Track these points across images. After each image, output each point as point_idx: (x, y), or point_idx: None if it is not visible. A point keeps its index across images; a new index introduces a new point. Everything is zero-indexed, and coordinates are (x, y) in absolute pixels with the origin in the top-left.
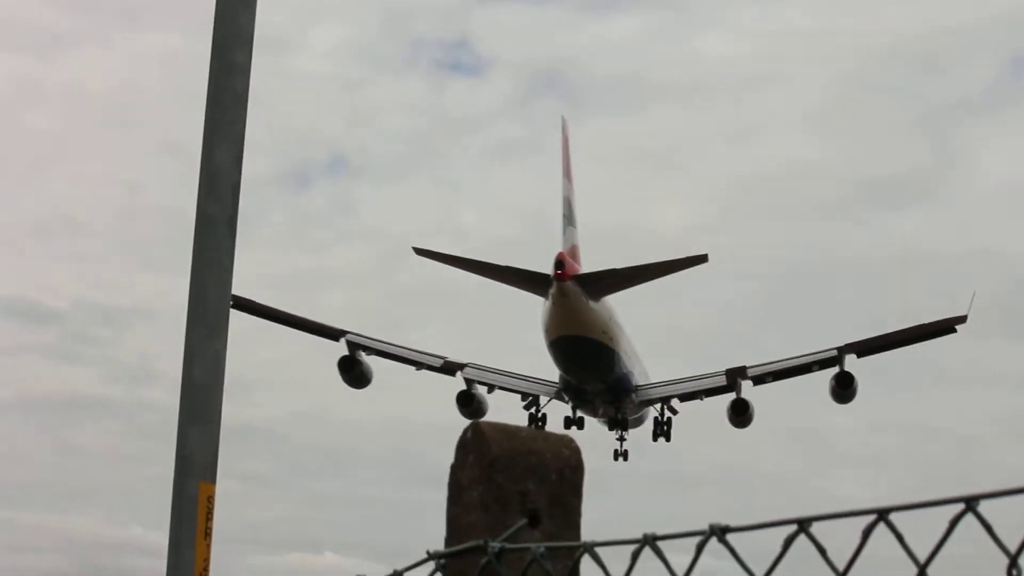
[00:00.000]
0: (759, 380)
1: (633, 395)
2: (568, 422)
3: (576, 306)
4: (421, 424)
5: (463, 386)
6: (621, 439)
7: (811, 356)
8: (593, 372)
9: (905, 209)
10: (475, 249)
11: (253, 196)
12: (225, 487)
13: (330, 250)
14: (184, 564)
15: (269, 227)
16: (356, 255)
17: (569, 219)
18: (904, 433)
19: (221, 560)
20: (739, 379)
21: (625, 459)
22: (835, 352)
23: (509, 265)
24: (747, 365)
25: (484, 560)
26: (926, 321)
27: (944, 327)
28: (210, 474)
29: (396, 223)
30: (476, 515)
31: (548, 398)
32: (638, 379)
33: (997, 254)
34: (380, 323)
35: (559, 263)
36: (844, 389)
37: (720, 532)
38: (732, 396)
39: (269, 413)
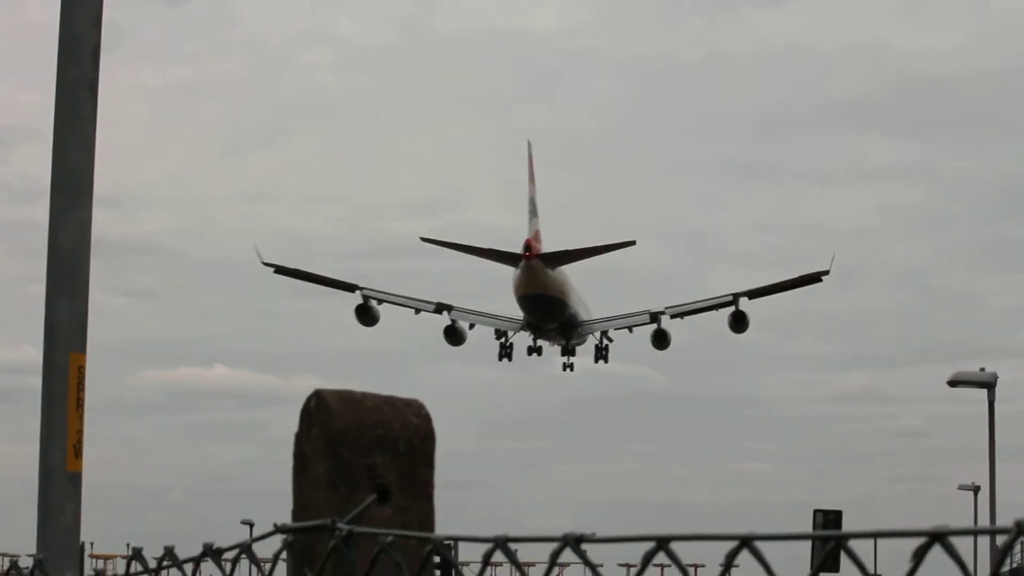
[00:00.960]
0: (673, 316)
1: (579, 329)
2: (530, 350)
3: (539, 275)
4: (304, 233)
5: (448, 323)
6: (569, 358)
7: (714, 300)
8: (550, 316)
9: (783, 5)
10: None
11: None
12: (115, 303)
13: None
14: (57, 435)
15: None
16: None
17: (533, 213)
18: (790, 231)
19: (113, 375)
20: (659, 316)
21: (572, 370)
22: (731, 297)
23: (492, 248)
24: (664, 309)
25: (331, 543)
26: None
27: (813, 277)
28: (80, 344)
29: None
30: (323, 491)
31: (514, 332)
32: (582, 317)
33: (876, 48)
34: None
35: (527, 247)
36: (739, 324)
37: (575, 542)
38: (654, 327)
39: (154, 228)
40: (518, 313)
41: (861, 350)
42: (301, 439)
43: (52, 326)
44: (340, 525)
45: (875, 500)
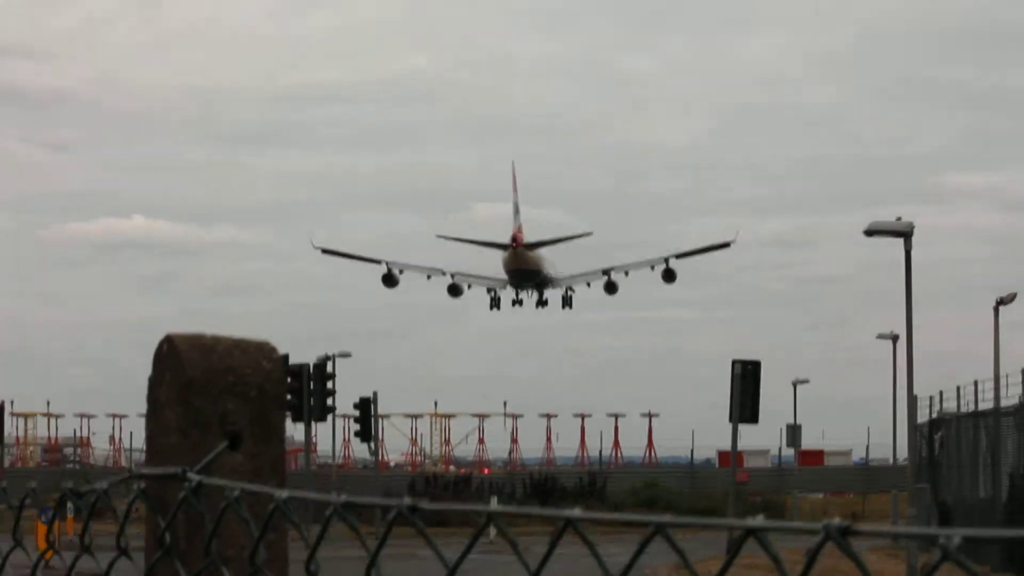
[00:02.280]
0: (620, 272)
1: (550, 284)
2: (513, 303)
3: (522, 256)
4: (223, 86)
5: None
6: (541, 304)
7: (649, 260)
8: (529, 281)
9: None
10: None
11: None
12: (35, 156)
13: None
14: None
15: None
16: None
17: (516, 213)
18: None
19: (29, 231)
20: (609, 272)
21: (545, 306)
22: (663, 259)
23: (492, 240)
24: (613, 269)
25: (181, 494)
26: None
27: (721, 244)
28: None
29: None
30: (174, 438)
31: (502, 288)
32: (552, 275)
33: None
34: None
35: (513, 239)
36: (670, 280)
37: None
38: (605, 280)
39: (73, 78)
40: (502, 275)
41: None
42: (154, 384)
43: None
44: (190, 475)
45: (797, 348)
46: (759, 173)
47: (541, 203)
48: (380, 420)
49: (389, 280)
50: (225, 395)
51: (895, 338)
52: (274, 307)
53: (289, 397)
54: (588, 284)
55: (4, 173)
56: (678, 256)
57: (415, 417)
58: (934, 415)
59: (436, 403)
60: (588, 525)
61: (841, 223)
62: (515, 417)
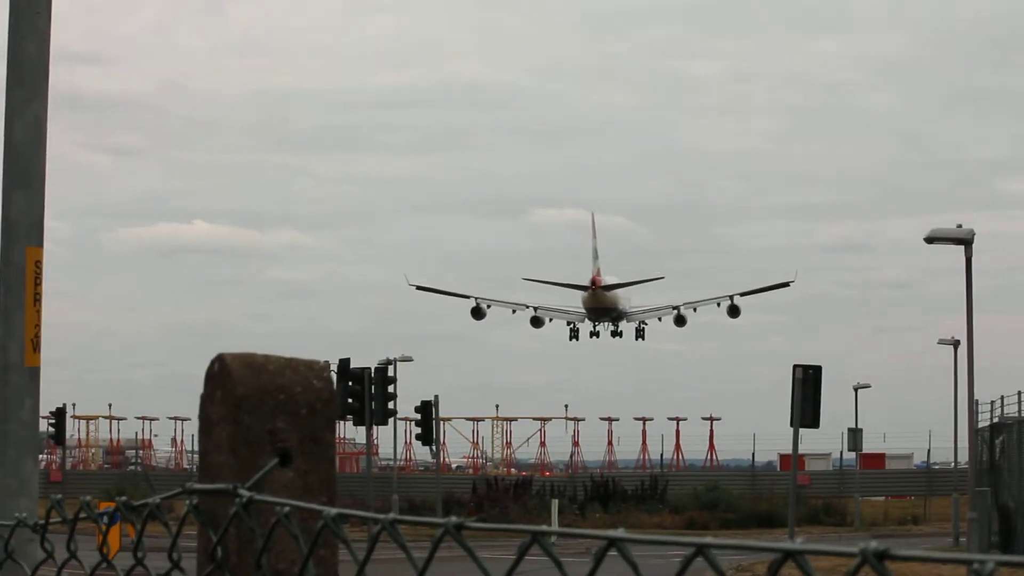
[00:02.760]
0: (689, 308)
1: (624, 318)
2: (591, 334)
3: (600, 297)
4: (286, 92)
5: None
6: (617, 335)
7: (715, 298)
8: (605, 316)
9: None
10: None
11: None
12: (96, 160)
13: None
14: (15, 331)
15: None
16: None
17: (596, 257)
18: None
19: (92, 236)
20: (679, 308)
21: (620, 337)
22: (729, 298)
23: (573, 283)
24: (682, 305)
25: (232, 510)
26: None
27: (782, 284)
28: (36, 238)
29: None
30: (225, 456)
31: (580, 321)
32: (627, 309)
33: None
34: None
35: (593, 282)
36: (734, 315)
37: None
38: (675, 313)
39: (136, 83)
40: (580, 309)
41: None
42: (206, 402)
43: (8, 222)
44: (241, 491)
45: (858, 352)
46: (821, 178)
47: (603, 209)
48: (442, 423)
49: (477, 313)
50: (276, 413)
51: (956, 344)
52: (334, 311)
53: (351, 401)
54: (659, 319)
55: (68, 178)
56: (742, 294)
57: (476, 421)
58: (995, 420)
59: (497, 407)
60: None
61: (903, 228)
62: (576, 420)
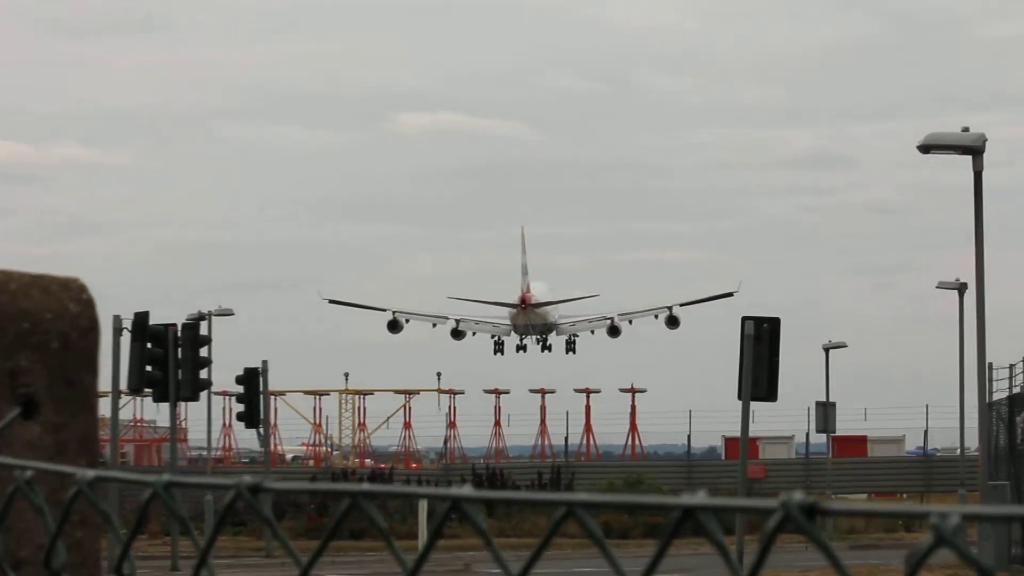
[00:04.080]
0: (624, 319)
1: (554, 331)
2: (518, 348)
3: (532, 314)
4: None
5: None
6: (546, 348)
7: (653, 308)
8: (535, 332)
9: None
10: None
11: None
12: None
13: None
14: None
15: None
16: None
17: (525, 274)
18: None
19: None
20: (612, 319)
21: (550, 351)
22: (667, 308)
23: (500, 301)
24: (616, 316)
25: None
26: None
27: (725, 294)
28: None
29: None
30: None
31: (507, 335)
32: (556, 322)
33: None
34: None
35: (522, 299)
36: (673, 325)
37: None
38: (608, 324)
39: None
40: (505, 321)
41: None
42: None
43: None
44: None
45: (827, 299)
46: (772, 68)
47: (492, 112)
48: (272, 398)
49: (394, 327)
50: (17, 347)
51: (962, 288)
52: (133, 251)
53: (150, 369)
54: (592, 332)
55: None
56: (682, 304)
57: (319, 395)
58: (1015, 389)
59: (347, 375)
60: (561, 538)
61: (888, 134)
62: (453, 394)
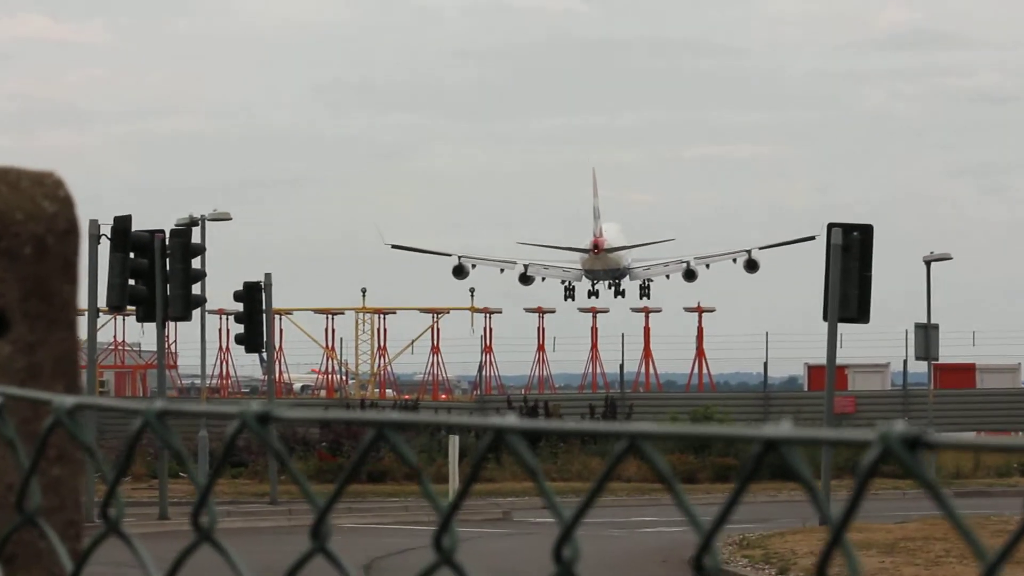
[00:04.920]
0: (701, 264)
1: (627, 276)
2: (590, 293)
3: (604, 259)
4: None
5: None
6: (619, 294)
7: (731, 252)
8: (608, 277)
9: None
10: None
11: None
12: None
13: None
14: None
15: None
16: None
17: (597, 218)
18: None
19: None
20: (688, 262)
21: (623, 296)
22: (746, 252)
23: (573, 246)
24: (692, 259)
25: None
26: None
27: (807, 238)
28: None
29: None
30: None
31: (578, 280)
32: (629, 266)
33: None
34: None
35: (595, 245)
36: (752, 270)
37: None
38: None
39: None
40: (576, 266)
41: None
42: None
43: None
44: None
45: (927, 203)
46: None
47: None
48: (277, 318)
49: (460, 272)
50: None
51: None
52: (110, 144)
53: (133, 283)
54: (667, 276)
55: None
56: (761, 248)
57: (332, 313)
58: None
59: (365, 291)
60: (615, 483)
61: (1002, 7)
62: (489, 313)
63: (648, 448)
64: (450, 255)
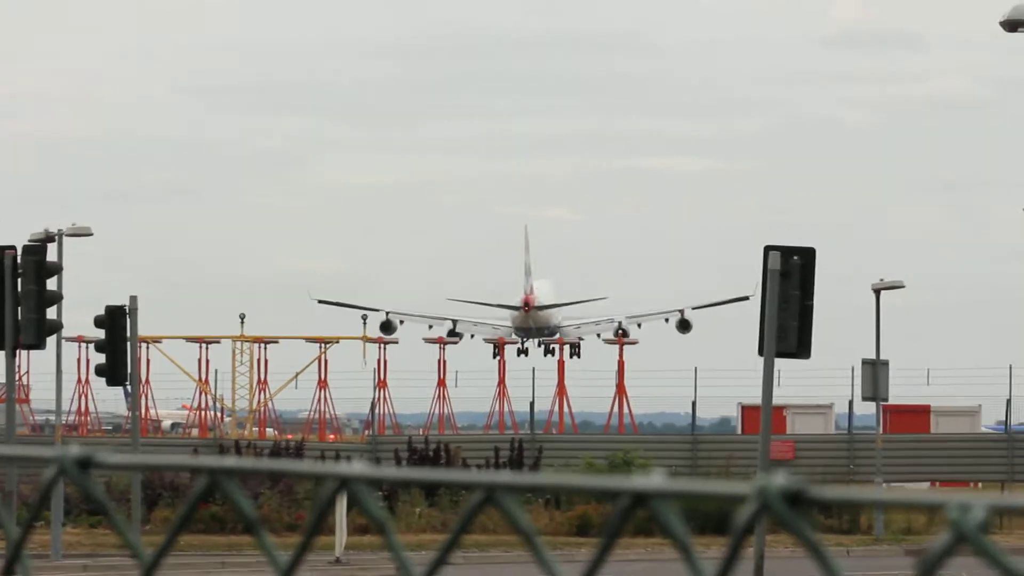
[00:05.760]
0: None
1: (557, 334)
2: (519, 352)
3: (535, 317)
4: None
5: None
6: (549, 352)
7: (664, 312)
8: (537, 335)
9: None
10: None
11: None
12: None
13: None
14: None
15: None
16: None
17: (528, 275)
18: None
19: None
20: (622, 323)
21: (554, 355)
22: (679, 312)
23: (503, 303)
24: (624, 319)
25: None
26: None
27: (740, 298)
28: None
29: None
30: None
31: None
32: (560, 324)
33: None
34: None
35: (525, 302)
36: (685, 330)
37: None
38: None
39: None
40: (506, 323)
41: None
42: None
43: None
44: None
45: (882, 225)
46: None
47: None
48: (144, 346)
49: (387, 328)
50: None
51: None
52: None
53: None
54: (598, 335)
55: None
56: (695, 308)
57: (206, 342)
58: None
59: (243, 317)
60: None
61: (965, 6)
62: (384, 343)
63: (504, 501)
64: (378, 310)
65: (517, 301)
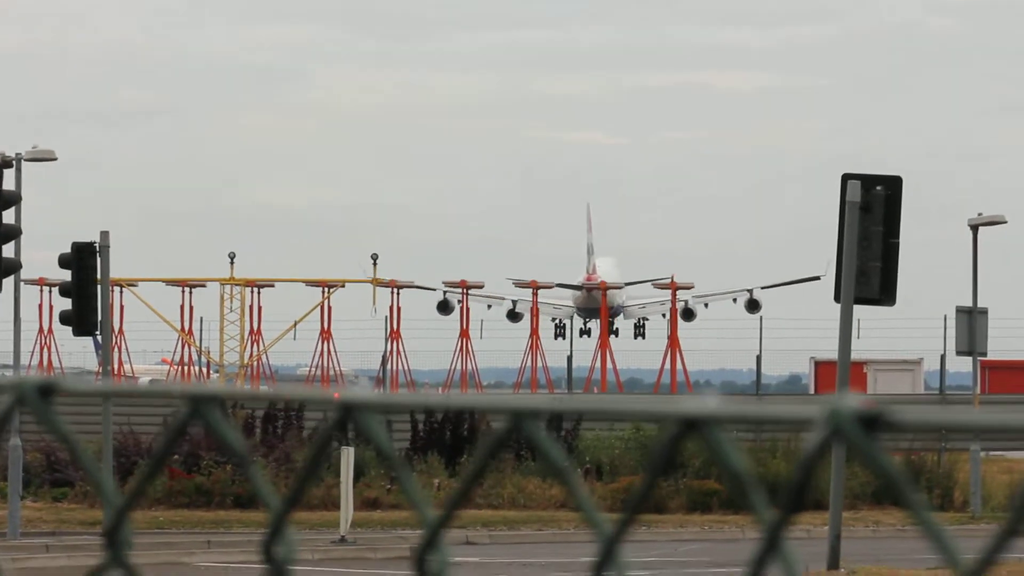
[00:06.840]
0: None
1: (620, 314)
2: (581, 332)
3: (598, 297)
4: None
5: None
6: (612, 333)
7: (732, 292)
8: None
9: None
10: None
11: None
12: None
13: None
14: None
15: None
16: None
17: (590, 253)
18: None
19: None
20: (688, 303)
21: (617, 336)
22: (747, 291)
23: (565, 283)
24: (690, 298)
25: None
26: None
27: (812, 277)
28: None
29: None
30: None
31: (567, 318)
32: (624, 304)
33: None
34: None
35: (587, 281)
36: (754, 310)
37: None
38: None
39: None
40: (568, 303)
41: None
42: None
43: None
44: None
45: (979, 151)
46: None
47: None
48: (116, 290)
49: (444, 308)
50: None
51: None
52: None
53: None
54: (663, 315)
55: None
56: (764, 288)
57: (190, 286)
58: None
59: (233, 257)
60: (558, 520)
61: None
62: (396, 287)
63: (533, 427)
64: (434, 289)
65: (579, 280)
